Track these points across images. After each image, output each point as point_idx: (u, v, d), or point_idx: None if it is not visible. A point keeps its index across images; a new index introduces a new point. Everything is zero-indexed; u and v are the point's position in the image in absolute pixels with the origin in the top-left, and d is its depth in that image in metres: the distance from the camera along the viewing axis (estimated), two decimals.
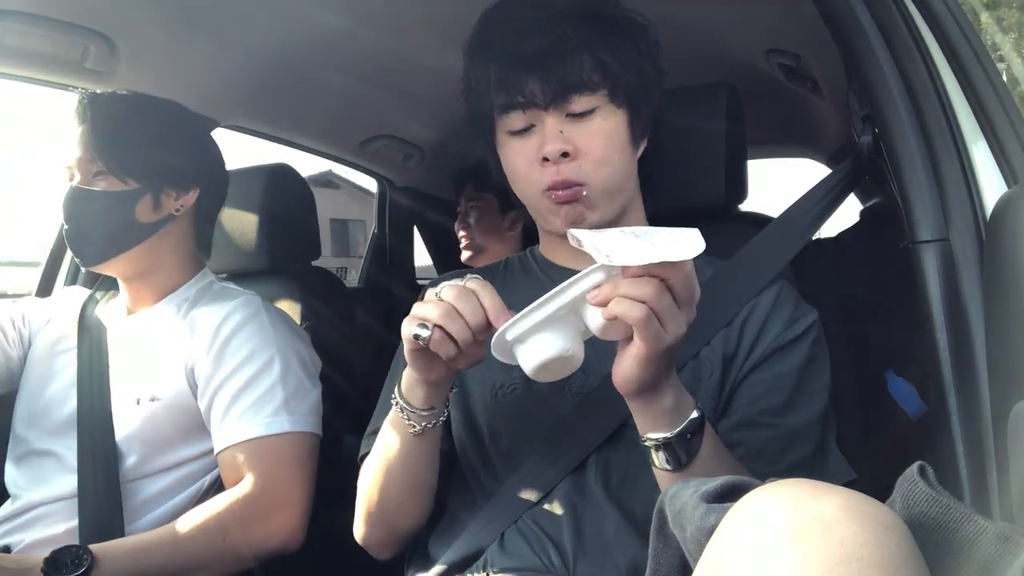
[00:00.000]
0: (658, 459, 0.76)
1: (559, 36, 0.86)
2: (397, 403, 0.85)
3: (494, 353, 0.74)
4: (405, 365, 0.86)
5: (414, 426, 0.84)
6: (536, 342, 0.70)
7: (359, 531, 0.96)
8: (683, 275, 0.67)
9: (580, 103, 0.87)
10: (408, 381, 0.84)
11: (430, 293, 0.78)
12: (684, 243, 0.65)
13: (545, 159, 0.87)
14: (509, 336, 0.71)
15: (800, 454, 0.85)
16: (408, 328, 0.76)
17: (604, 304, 0.66)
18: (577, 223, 0.90)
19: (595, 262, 0.69)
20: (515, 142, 0.90)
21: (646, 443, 0.76)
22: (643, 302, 0.65)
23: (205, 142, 1.33)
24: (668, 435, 0.74)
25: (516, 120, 0.89)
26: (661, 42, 0.95)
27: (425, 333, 0.74)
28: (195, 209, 1.26)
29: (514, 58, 0.87)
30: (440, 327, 0.74)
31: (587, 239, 0.71)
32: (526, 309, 0.69)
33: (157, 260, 1.23)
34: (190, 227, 1.27)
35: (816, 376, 0.89)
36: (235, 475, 1.09)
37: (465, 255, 2.18)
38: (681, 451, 0.74)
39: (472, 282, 0.76)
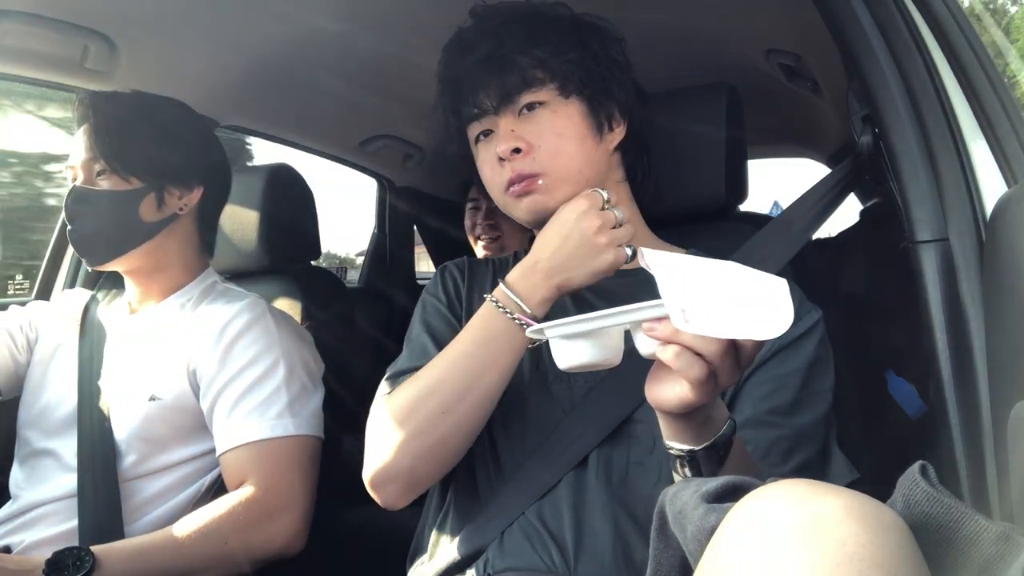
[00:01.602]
0: (679, 470, 0.70)
1: (494, 44, 0.92)
2: (514, 316, 0.85)
3: (527, 333, 0.72)
4: (442, 328, 0.96)
5: (530, 337, 0.82)
6: (575, 346, 0.68)
7: (390, 463, 0.85)
8: (757, 343, 0.61)
9: (526, 99, 0.92)
10: (543, 293, 0.86)
11: (600, 219, 0.86)
12: (773, 313, 0.57)
13: (501, 159, 0.91)
14: (549, 334, 0.69)
15: (807, 455, 0.84)
16: (621, 253, 0.86)
17: (660, 340, 0.61)
18: (539, 212, 0.92)
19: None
20: (480, 150, 0.97)
21: (669, 451, 0.70)
22: (704, 359, 0.60)
23: (208, 140, 1.33)
24: (693, 448, 0.68)
25: (475, 128, 0.96)
26: (622, 37, 0.99)
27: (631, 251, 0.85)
28: (199, 208, 1.26)
29: (460, 73, 0.95)
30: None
31: (660, 269, 0.61)
32: (575, 317, 0.67)
33: (162, 258, 1.23)
34: (194, 226, 1.27)
35: (821, 376, 0.89)
36: (238, 477, 1.09)
37: (484, 254, 2.07)
38: (705, 465, 0.69)
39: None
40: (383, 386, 0.94)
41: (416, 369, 0.91)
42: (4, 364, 1.25)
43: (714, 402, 0.68)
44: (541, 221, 0.93)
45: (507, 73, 0.91)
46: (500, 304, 0.86)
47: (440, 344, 0.94)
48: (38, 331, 1.29)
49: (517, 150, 0.90)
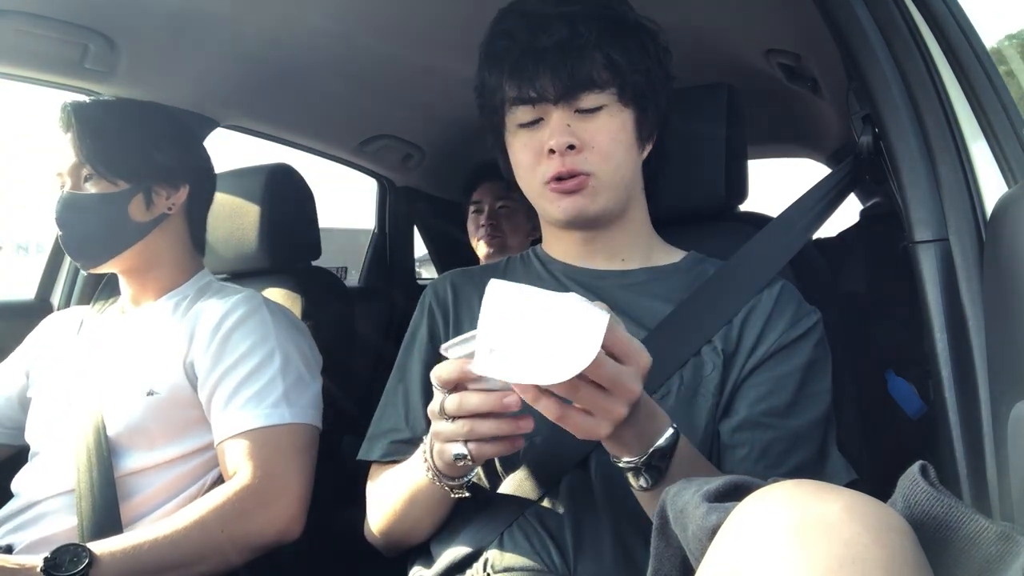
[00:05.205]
0: (631, 481, 0.73)
1: (573, 32, 0.87)
2: (432, 472, 0.81)
3: (440, 350, 0.73)
4: (416, 369, 0.94)
5: (451, 490, 0.83)
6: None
7: (371, 536, 0.96)
8: (596, 366, 0.59)
9: (588, 100, 0.89)
10: (446, 459, 0.77)
11: (433, 403, 0.74)
12: (567, 356, 0.56)
13: (551, 151, 0.88)
14: (447, 355, 0.71)
15: (803, 456, 0.85)
16: (447, 451, 0.74)
17: None
18: (579, 214, 0.91)
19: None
20: (523, 135, 0.92)
21: (619, 464, 0.73)
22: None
23: (190, 140, 1.35)
24: (636, 459, 0.71)
25: (525, 113, 0.91)
26: (670, 49, 0.97)
27: (464, 450, 0.72)
28: (187, 206, 1.28)
29: (528, 51, 0.89)
30: (473, 440, 0.72)
31: (487, 307, 0.60)
32: (458, 338, 0.69)
33: (155, 257, 1.25)
34: (184, 225, 1.29)
35: (819, 377, 0.89)
36: (234, 465, 1.09)
37: (485, 251, 2.08)
38: (648, 474, 0.72)
39: (446, 371, 0.71)
40: (368, 447, 0.98)
41: (392, 431, 0.96)
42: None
43: (644, 415, 0.69)
44: (574, 223, 0.93)
45: (579, 67, 0.87)
46: (426, 461, 0.83)
47: (416, 397, 0.96)
48: (27, 369, 1.31)
49: (571, 147, 0.88)
